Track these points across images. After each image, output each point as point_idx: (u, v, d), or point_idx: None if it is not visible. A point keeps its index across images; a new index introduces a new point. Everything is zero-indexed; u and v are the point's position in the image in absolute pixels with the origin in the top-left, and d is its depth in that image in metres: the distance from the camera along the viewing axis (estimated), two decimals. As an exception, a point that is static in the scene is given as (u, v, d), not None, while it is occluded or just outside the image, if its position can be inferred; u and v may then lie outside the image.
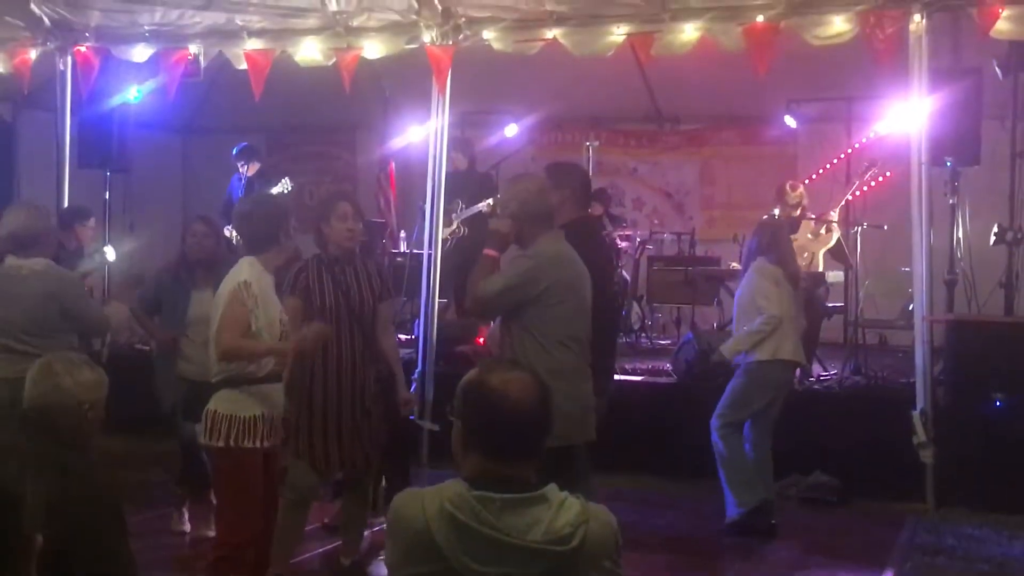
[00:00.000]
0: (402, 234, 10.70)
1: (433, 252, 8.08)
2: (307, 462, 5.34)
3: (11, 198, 10.99)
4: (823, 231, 8.71)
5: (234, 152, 10.30)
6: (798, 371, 7.95)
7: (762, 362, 6.55)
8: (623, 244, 10.36)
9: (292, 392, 5.08)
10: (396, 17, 7.75)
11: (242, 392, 4.75)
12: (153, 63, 8.48)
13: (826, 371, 8.49)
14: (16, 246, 5.76)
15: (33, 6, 8.31)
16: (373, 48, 7.85)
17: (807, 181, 9.65)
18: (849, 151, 9.88)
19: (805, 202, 9.02)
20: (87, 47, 8.50)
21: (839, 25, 6.95)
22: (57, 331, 5.52)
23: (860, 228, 8.77)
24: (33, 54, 8.57)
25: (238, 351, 4.71)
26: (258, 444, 4.76)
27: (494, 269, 4.94)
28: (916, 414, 6.96)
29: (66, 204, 8.81)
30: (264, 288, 4.80)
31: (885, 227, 8.77)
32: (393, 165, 11.05)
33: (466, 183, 9.45)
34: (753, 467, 6.61)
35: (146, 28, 8.30)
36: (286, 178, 9.88)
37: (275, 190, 9.58)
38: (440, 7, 7.55)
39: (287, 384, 4.99)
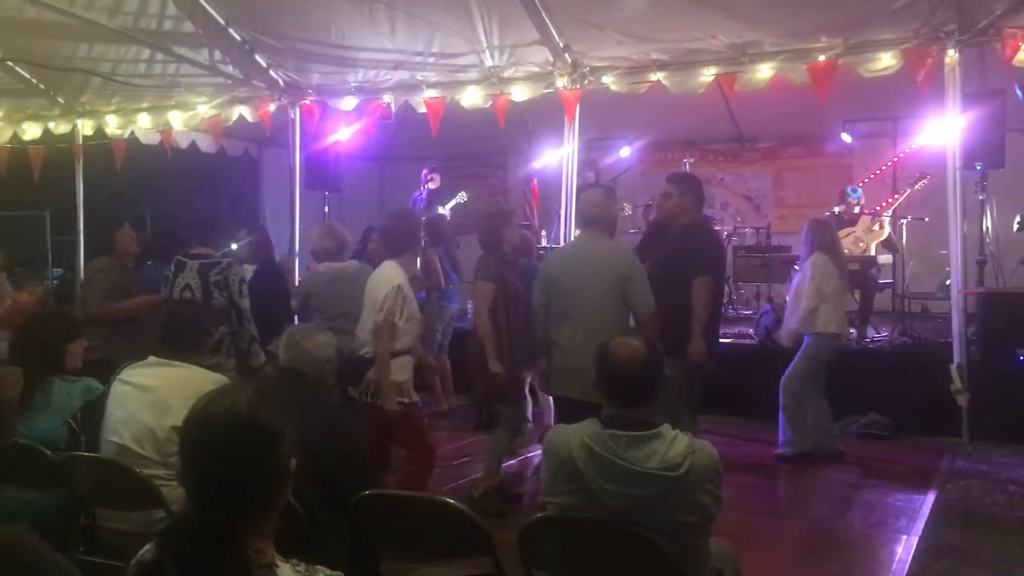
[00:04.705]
0: (543, 233, 10.73)
1: (568, 246, 8.09)
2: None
3: (258, 213, 11.47)
4: (876, 227, 8.44)
5: (424, 171, 10.44)
6: (854, 333, 7.74)
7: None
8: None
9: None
10: (536, 69, 7.76)
11: (400, 361, 4.86)
12: (358, 110, 8.64)
13: (879, 333, 8.22)
14: (325, 255, 5.94)
15: (272, 72, 8.60)
16: (520, 93, 7.87)
17: (860, 184, 9.37)
18: (895, 160, 9.51)
19: (863, 202, 8.79)
20: (311, 100, 8.74)
21: (886, 61, 6.68)
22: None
23: (906, 220, 8.50)
24: (272, 107, 8.82)
25: (381, 346, 4.77)
26: (417, 399, 4.91)
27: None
28: (953, 367, 6.69)
29: (297, 217, 9.08)
30: (407, 288, 4.91)
31: (926, 219, 8.47)
32: (535, 181, 11.09)
33: (592, 193, 9.42)
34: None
35: (352, 84, 8.46)
36: (462, 192, 9.94)
37: (453, 201, 9.67)
38: (570, 60, 7.54)
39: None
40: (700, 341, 5.07)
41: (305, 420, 2.33)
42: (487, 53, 7.64)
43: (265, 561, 1.75)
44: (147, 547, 1.81)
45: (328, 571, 1.80)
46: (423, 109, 8.18)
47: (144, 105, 9.29)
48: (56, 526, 3.32)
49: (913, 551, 4.73)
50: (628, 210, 9.94)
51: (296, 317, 6.25)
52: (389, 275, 4.89)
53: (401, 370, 4.85)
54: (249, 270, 6.60)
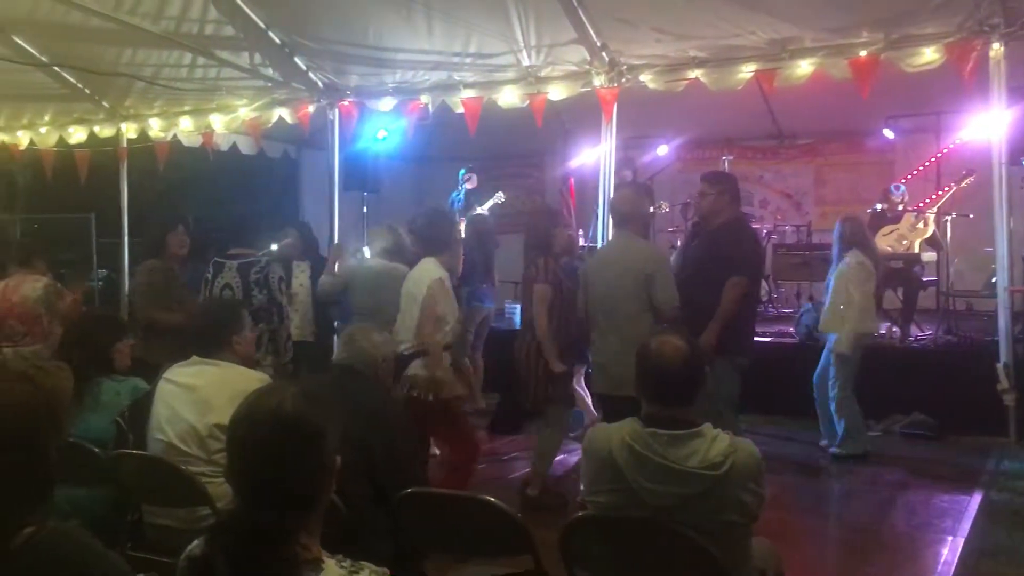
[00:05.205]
0: (580, 232, 10.71)
1: (605, 245, 8.06)
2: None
3: (298, 214, 11.57)
4: (920, 224, 8.31)
5: (462, 172, 10.44)
6: (898, 332, 7.63)
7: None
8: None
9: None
10: (574, 67, 7.75)
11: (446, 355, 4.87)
12: (396, 111, 8.69)
13: (923, 332, 8.09)
14: (380, 253, 5.92)
15: (311, 74, 8.68)
16: (556, 92, 7.87)
17: (903, 181, 9.24)
18: (938, 156, 9.36)
19: (906, 199, 8.68)
20: (349, 102, 8.81)
21: (929, 55, 6.58)
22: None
23: (951, 217, 8.37)
24: (311, 108, 8.90)
25: (430, 339, 4.77)
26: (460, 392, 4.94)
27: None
28: (1000, 366, 6.58)
29: (336, 218, 9.15)
30: (448, 282, 4.93)
31: (971, 216, 8.31)
32: (572, 180, 11.07)
33: (630, 191, 9.38)
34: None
35: (390, 85, 8.51)
36: (500, 192, 9.95)
37: (491, 201, 9.67)
38: (607, 58, 7.52)
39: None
40: (711, 334, 4.99)
41: (355, 418, 2.36)
42: (524, 53, 7.65)
43: (311, 557, 1.77)
44: (196, 542, 1.84)
45: (374, 567, 1.82)
46: (460, 109, 8.21)
47: (186, 108, 9.44)
48: (105, 522, 3.39)
49: (959, 552, 4.66)
50: (665, 208, 9.89)
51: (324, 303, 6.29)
52: (429, 270, 4.93)
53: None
54: (303, 267, 6.61)
